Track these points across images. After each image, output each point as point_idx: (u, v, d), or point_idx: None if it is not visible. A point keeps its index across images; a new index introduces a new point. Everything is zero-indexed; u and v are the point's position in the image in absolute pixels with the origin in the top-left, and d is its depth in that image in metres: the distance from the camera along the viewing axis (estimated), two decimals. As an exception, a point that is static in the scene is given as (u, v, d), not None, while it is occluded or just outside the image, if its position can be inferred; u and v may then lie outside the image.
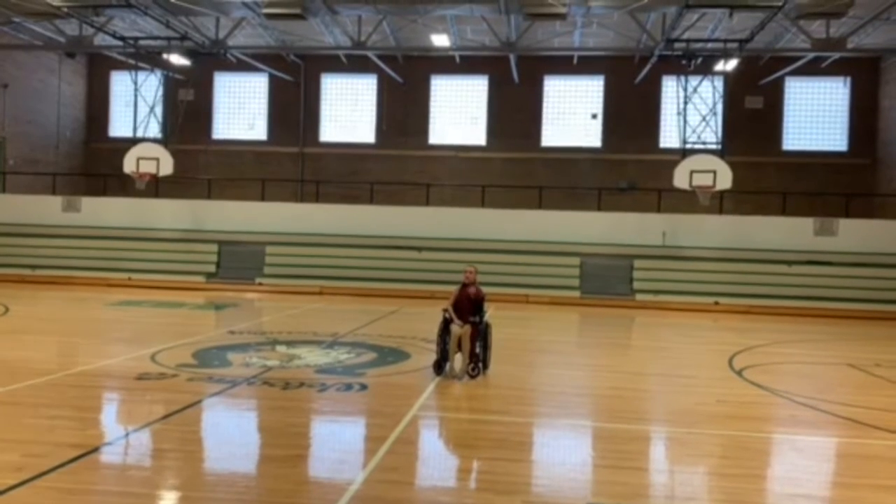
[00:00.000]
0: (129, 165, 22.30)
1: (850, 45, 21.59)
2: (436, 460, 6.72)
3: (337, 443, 7.08)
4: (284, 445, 6.63)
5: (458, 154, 28.01)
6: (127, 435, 6.91)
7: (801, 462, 6.77)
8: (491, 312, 10.52)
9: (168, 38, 22.04)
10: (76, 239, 23.53)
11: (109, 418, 7.86)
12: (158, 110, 23.13)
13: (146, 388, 8.54)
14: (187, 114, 25.97)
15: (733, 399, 9.15)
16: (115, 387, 8.83)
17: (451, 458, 6.74)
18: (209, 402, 8.08)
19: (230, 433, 7.22)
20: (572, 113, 27.93)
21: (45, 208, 24.40)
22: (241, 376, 9.22)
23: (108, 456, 6.23)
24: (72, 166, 28.86)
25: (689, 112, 21.56)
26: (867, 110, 26.46)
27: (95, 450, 6.21)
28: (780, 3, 17.35)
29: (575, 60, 26.54)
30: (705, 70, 21.99)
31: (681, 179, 20.85)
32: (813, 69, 24.81)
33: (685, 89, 21.64)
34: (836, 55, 23.20)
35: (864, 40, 22.26)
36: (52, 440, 6.36)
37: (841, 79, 26.60)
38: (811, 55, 22.70)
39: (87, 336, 13.18)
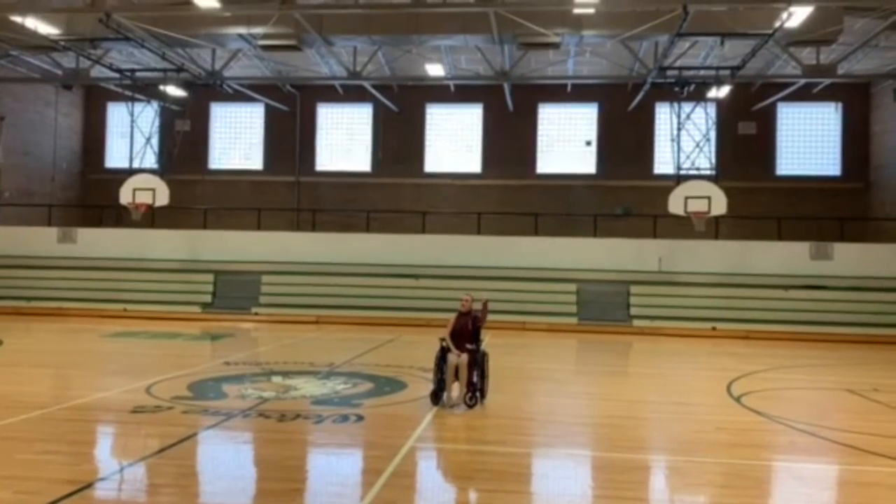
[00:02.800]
0: (125, 196, 22.36)
1: (840, 71, 21.86)
2: (434, 493, 6.64)
3: (334, 476, 7.02)
4: (281, 479, 6.56)
5: (454, 182, 28.13)
6: (121, 470, 6.83)
7: (802, 490, 6.71)
8: (488, 340, 10.47)
9: (164, 70, 22.22)
10: (72, 270, 23.49)
11: (104, 453, 7.78)
12: (155, 141, 23.26)
13: (141, 422, 8.47)
14: (183, 144, 26.05)
15: (732, 426, 9.11)
16: (110, 420, 8.76)
17: (450, 491, 6.66)
18: (205, 435, 8.02)
19: (226, 467, 7.14)
20: (567, 140, 28.11)
21: (41, 239, 24.38)
22: (237, 408, 9.15)
23: (103, 492, 6.15)
24: (68, 197, 28.89)
25: (683, 138, 21.73)
26: (859, 135, 26.70)
27: (89, 485, 6.14)
28: (770, 31, 17.58)
29: (569, 88, 26.80)
30: (698, 97, 22.21)
31: (676, 205, 20.94)
32: (804, 95, 25.05)
33: (678, 116, 21.83)
34: (827, 81, 23.47)
35: (854, 66, 22.54)
36: (46, 476, 6.29)
37: (832, 104, 26.86)
38: (802, 81, 22.95)
39: (82, 368, 13.09)
